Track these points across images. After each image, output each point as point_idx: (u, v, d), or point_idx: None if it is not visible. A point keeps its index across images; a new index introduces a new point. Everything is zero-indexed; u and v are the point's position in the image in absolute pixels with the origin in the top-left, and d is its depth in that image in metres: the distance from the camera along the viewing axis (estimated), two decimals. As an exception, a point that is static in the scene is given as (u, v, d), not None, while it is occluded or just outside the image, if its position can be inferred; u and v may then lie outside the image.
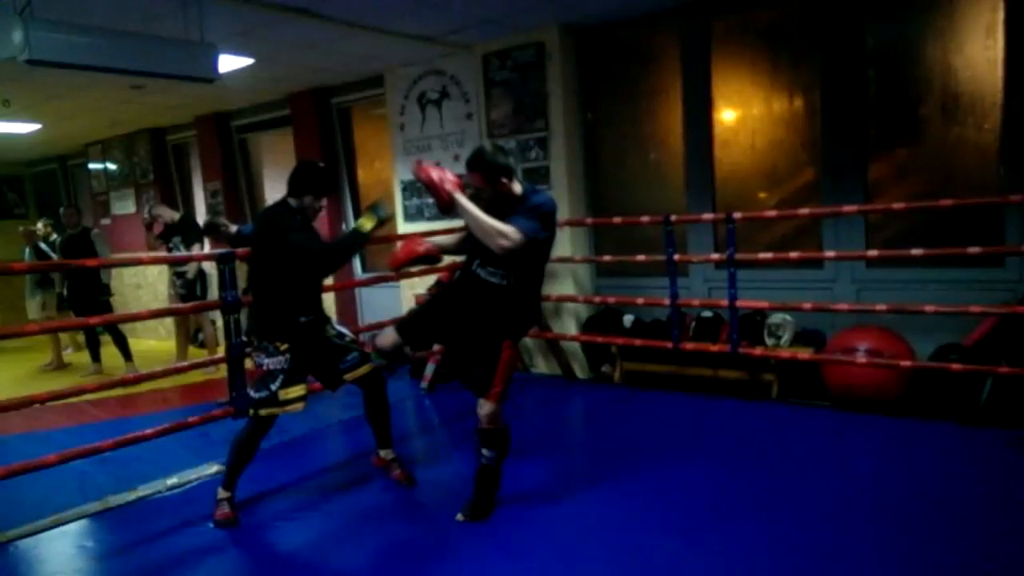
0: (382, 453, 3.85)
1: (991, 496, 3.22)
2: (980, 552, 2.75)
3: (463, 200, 3.04)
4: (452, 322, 3.32)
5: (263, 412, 3.38)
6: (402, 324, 3.46)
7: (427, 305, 3.69)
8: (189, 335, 7.51)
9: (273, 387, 3.35)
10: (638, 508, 3.31)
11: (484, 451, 3.22)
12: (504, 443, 3.24)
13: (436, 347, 5.64)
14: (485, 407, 3.15)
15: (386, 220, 3.42)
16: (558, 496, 3.51)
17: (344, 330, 3.72)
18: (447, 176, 3.08)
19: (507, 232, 2.92)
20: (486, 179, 3.04)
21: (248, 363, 3.94)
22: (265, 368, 3.36)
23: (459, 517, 3.26)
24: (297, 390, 3.41)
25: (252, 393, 3.42)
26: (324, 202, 3.45)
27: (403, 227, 6.89)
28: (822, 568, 2.71)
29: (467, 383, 3.34)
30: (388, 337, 3.39)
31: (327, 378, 3.66)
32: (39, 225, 8.13)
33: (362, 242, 3.45)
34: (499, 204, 3.07)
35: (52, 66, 3.96)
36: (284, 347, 3.36)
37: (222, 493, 3.47)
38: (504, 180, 3.05)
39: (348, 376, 3.62)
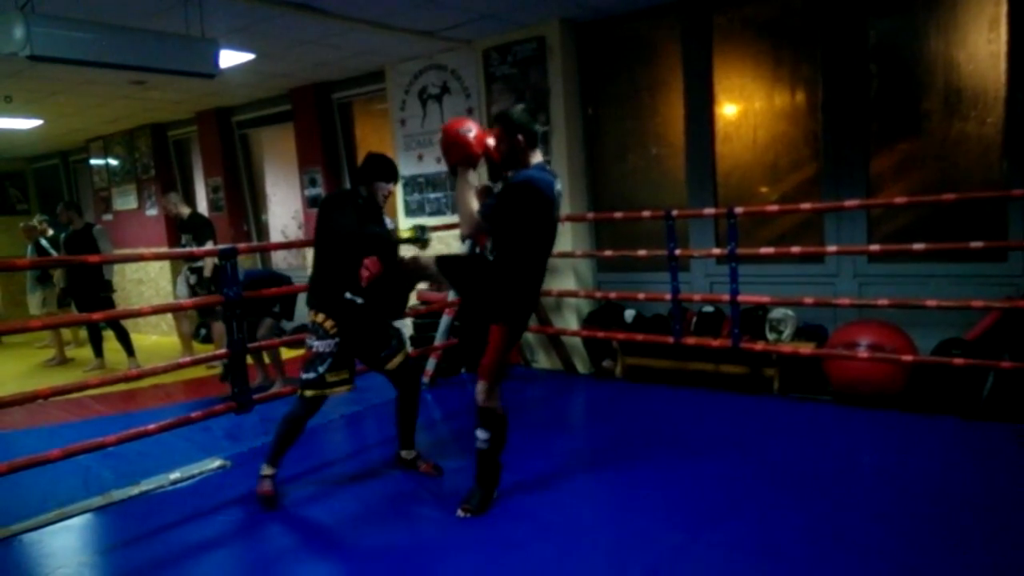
0: (403, 454, 3.87)
1: (993, 490, 3.22)
2: (982, 547, 2.75)
3: (461, 177, 3.19)
4: (466, 293, 3.43)
5: (309, 393, 3.47)
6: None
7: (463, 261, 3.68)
8: (192, 330, 7.51)
9: (320, 369, 3.44)
10: (639, 502, 3.32)
11: (478, 432, 3.25)
12: (497, 425, 3.26)
13: (438, 342, 5.66)
14: (477, 383, 3.23)
15: (420, 241, 3.53)
16: (559, 490, 3.52)
17: (397, 324, 3.79)
18: (471, 132, 3.19)
19: (464, 219, 3.14)
20: (504, 132, 3.14)
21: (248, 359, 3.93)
22: (314, 350, 3.46)
23: (459, 513, 3.26)
24: (343, 374, 3.50)
25: (302, 374, 3.50)
26: (391, 186, 3.63)
27: (403, 222, 6.89)
28: (824, 562, 2.71)
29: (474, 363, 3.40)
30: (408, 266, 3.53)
31: (374, 362, 3.74)
32: (34, 222, 8.13)
33: (387, 245, 3.53)
34: (510, 159, 3.18)
35: (54, 62, 3.96)
36: (333, 330, 3.44)
37: (266, 470, 3.54)
38: (520, 138, 3.12)
39: (388, 365, 3.70)
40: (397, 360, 3.71)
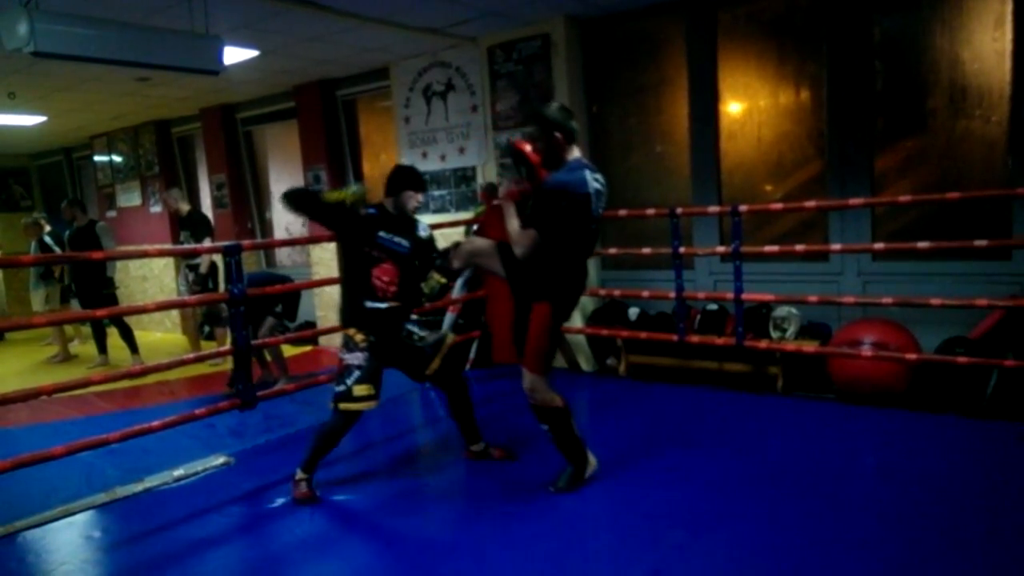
0: (473, 448, 3.90)
1: (997, 489, 3.22)
2: (985, 546, 2.75)
3: (505, 208, 3.23)
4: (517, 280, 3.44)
5: (342, 407, 3.49)
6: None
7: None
8: (198, 328, 7.53)
9: (348, 382, 3.47)
10: (642, 500, 3.31)
11: (541, 425, 3.35)
12: (553, 418, 3.30)
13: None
14: (524, 377, 3.27)
15: (346, 198, 3.52)
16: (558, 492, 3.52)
17: (423, 332, 3.79)
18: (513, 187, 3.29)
19: (515, 240, 3.14)
20: (541, 130, 3.18)
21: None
22: (344, 363, 3.50)
23: (551, 488, 3.38)
24: (369, 388, 3.50)
25: (334, 386, 3.53)
26: (420, 195, 3.68)
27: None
28: (826, 560, 2.70)
29: (520, 355, 3.42)
30: (463, 249, 3.56)
31: (412, 371, 3.76)
32: (32, 219, 8.13)
33: (306, 200, 3.65)
34: (548, 158, 3.22)
35: (57, 58, 3.96)
36: (364, 343, 3.48)
37: (300, 475, 3.56)
38: (558, 135, 3.15)
39: (427, 371, 3.72)
40: (435, 364, 3.73)
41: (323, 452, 3.57)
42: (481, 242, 3.55)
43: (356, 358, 3.49)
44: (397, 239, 3.57)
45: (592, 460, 3.49)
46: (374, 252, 3.52)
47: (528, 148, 3.28)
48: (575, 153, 3.24)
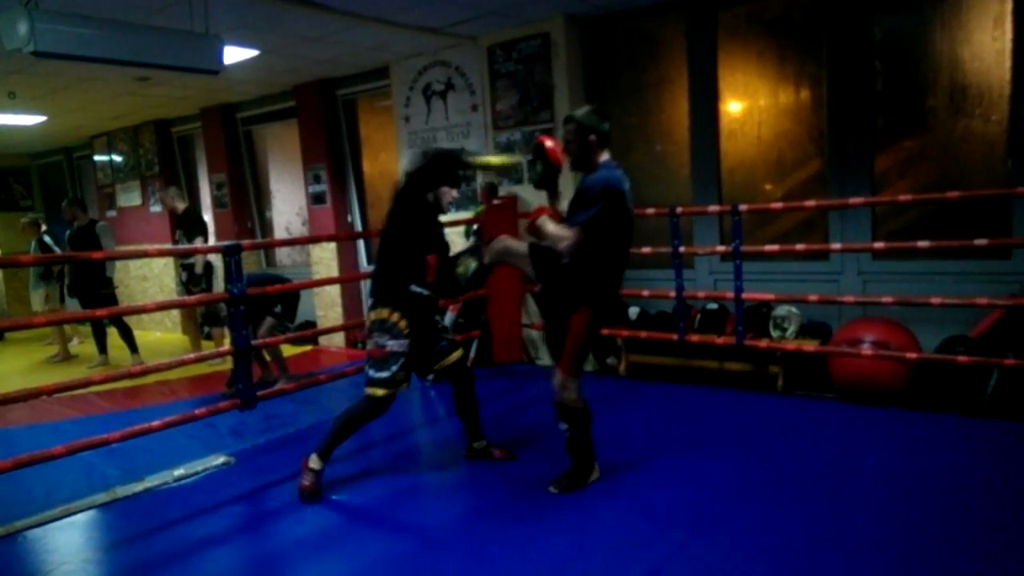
0: (475, 445, 3.90)
1: (997, 488, 3.21)
2: (986, 545, 2.75)
3: (540, 222, 3.21)
4: (549, 282, 3.47)
5: (381, 392, 3.47)
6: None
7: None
8: (198, 327, 7.53)
9: (394, 368, 3.46)
10: (642, 500, 3.31)
11: (560, 424, 3.36)
12: (575, 419, 3.33)
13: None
14: (555, 376, 3.30)
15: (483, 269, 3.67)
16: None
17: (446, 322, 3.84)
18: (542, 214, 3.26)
19: (561, 235, 3.11)
20: (576, 134, 3.23)
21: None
22: (388, 349, 3.46)
23: (551, 489, 3.39)
24: (404, 375, 3.54)
25: (372, 373, 3.49)
26: (455, 192, 3.71)
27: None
28: (827, 559, 2.71)
29: (554, 356, 3.44)
30: (496, 246, 3.60)
31: (421, 363, 3.73)
32: (28, 219, 8.14)
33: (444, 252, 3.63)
34: (582, 160, 3.27)
35: (57, 58, 3.96)
36: (407, 329, 3.47)
37: (314, 462, 3.52)
38: (592, 138, 3.22)
39: (439, 364, 3.72)
40: (454, 356, 3.75)
41: (343, 438, 3.55)
42: (516, 243, 3.56)
43: (400, 345, 3.47)
44: (440, 231, 3.64)
45: (596, 471, 3.50)
46: (431, 240, 3.57)
47: (551, 144, 3.33)
48: (606, 155, 3.28)
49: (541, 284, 3.49)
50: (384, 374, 3.46)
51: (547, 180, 3.41)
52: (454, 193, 3.68)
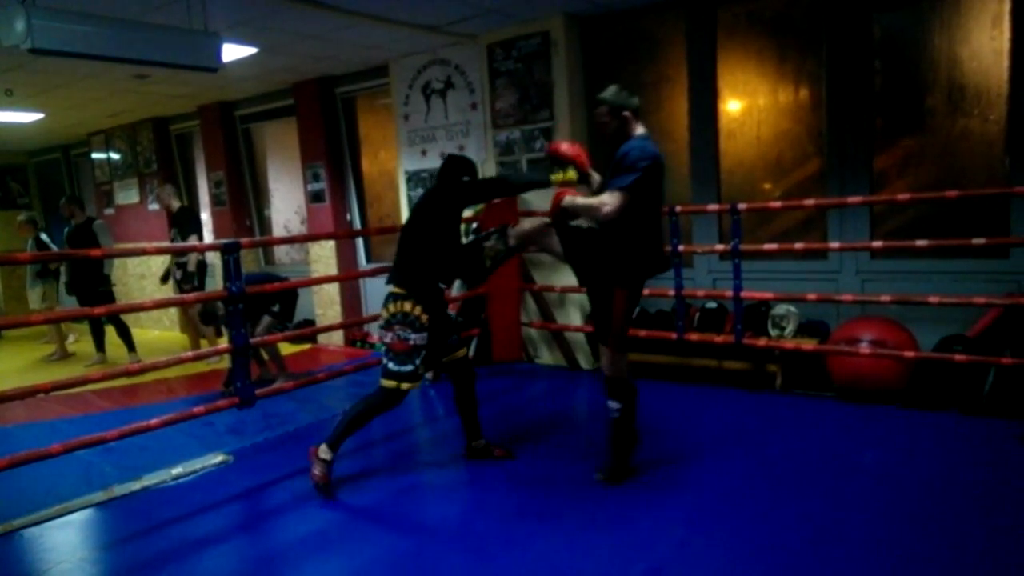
0: (474, 444, 3.91)
1: (995, 487, 3.22)
2: (984, 543, 2.75)
3: (567, 202, 3.34)
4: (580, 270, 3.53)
5: (406, 386, 3.48)
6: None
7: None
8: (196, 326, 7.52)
9: (418, 362, 3.48)
10: (641, 499, 3.32)
11: (609, 403, 3.44)
12: (627, 394, 3.44)
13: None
14: (604, 354, 3.42)
15: (504, 254, 3.68)
16: (559, 486, 3.52)
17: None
18: (555, 199, 3.40)
19: (602, 200, 3.18)
20: (611, 112, 3.35)
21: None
22: (412, 343, 3.46)
23: (597, 477, 3.49)
24: (424, 367, 3.55)
25: (393, 366, 3.49)
26: None
27: (406, 217, 6.87)
28: (825, 559, 2.71)
29: (599, 334, 3.50)
30: (521, 228, 3.67)
31: (434, 356, 3.72)
32: (23, 218, 8.12)
33: (529, 179, 3.85)
34: (620, 137, 3.37)
35: (55, 55, 3.94)
36: (428, 324, 3.48)
37: (324, 453, 3.52)
38: (626, 114, 3.34)
39: (447, 357, 3.74)
40: (461, 352, 3.78)
41: (355, 429, 3.56)
42: (542, 225, 3.60)
43: (422, 338, 3.48)
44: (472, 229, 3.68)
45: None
46: (456, 235, 3.64)
47: (566, 148, 3.46)
48: (641, 129, 3.38)
49: (571, 263, 3.54)
50: (407, 368, 3.47)
51: (560, 216, 3.48)
52: None
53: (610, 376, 3.42)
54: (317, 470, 3.50)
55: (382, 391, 3.51)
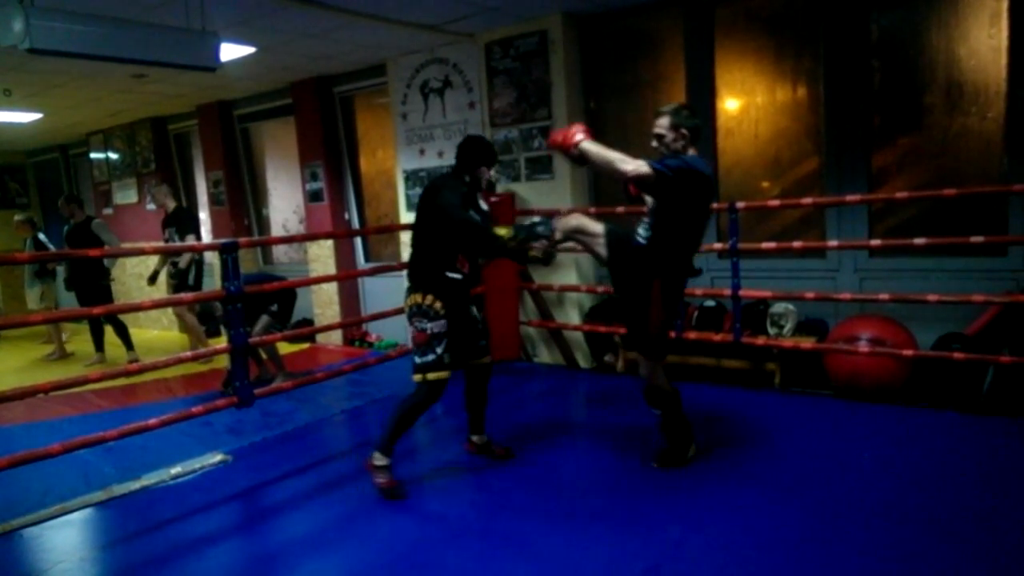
0: (475, 439, 3.91)
1: (993, 484, 3.22)
2: (982, 541, 2.76)
3: (588, 146, 3.24)
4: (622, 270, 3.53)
5: (432, 376, 3.43)
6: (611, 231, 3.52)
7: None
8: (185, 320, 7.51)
9: (439, 350, 3.43)
10: (640, 496, 3.32)
11: (652, 409, 3.58)
12: (663, 401, 3.55)
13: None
14: (641, 365, 3.54)
15: (528, 238, 3.48)
16: (558, 484, 3.53)
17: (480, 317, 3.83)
18: (571, 131, 3.29)
19: (625, 159, 3.15)
20: (671, 125, 3.33)
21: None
22: (429, 332, 3.43)
23: (653, 464, 3.58)
24: (451, 356, 3.49)
25: (417, 359, 3.45)
26: (492, 171, 3.69)
27: (405, 216, 6.89)
28: (824, 556, 2.71)
29: (633, 342, 3.59)
30: (571, 222, 3.57)
31: (461, 352, 3.67)
32: (21, 217, 8.12)
33: (487, 242, 3.45)
34: (674, 152, 3.34)
35: (53, 55, 3.94)
36: (443, 310, 3.43)
37: (379, 459, 3.48)
38: (684, 131, 3.32)
39: (475, 360, 3.72)
40: (487, 359, 3.76)
41: (403, 431, 3.51)
42: (590, 221, 3.57)
43: (440, 326, 3.43)
44: (475, 214, 3.54)
45: (693, 447, 3.66)
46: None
47: (559, 138, 3.33)
48: (693, 152, 3.36)
49: (611, 268, 3.56)
50: (430, 357, 3.42)
51: (580, 162, 3.41)
52: (492, 173, 3.65)
53: (648, 387, 3.53)
54: (380, 478, 3.46)
55: (417, 387, 3.48)
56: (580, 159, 3.29)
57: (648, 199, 3.50)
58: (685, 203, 3.28)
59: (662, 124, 3.34)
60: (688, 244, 3.43)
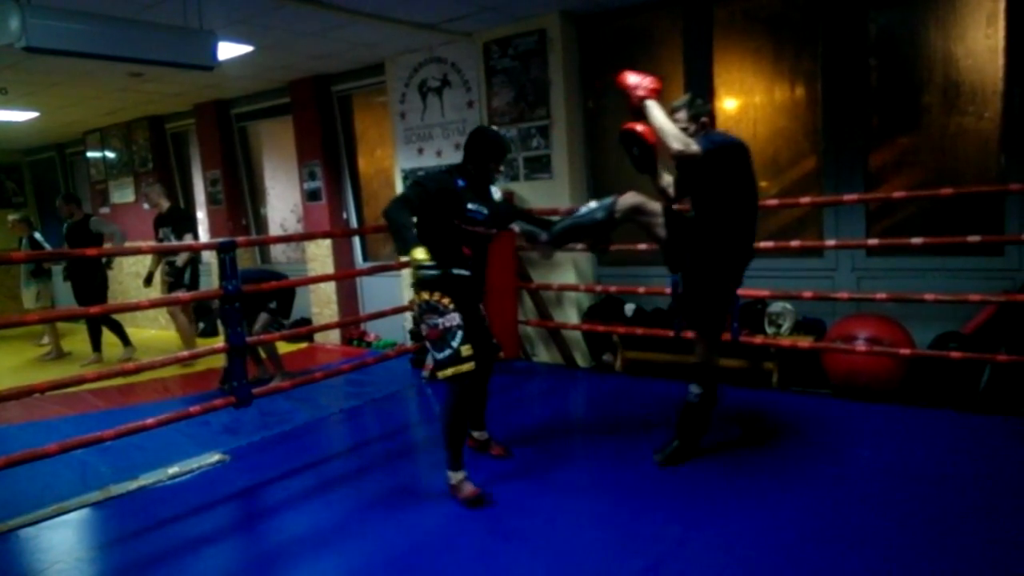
0: (475, 435, 3.90)
1: (990, 483, 3.23)
2: (980, 539, 2.76)
3: (652, 106, 3.30)
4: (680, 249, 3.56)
5: (450, 371, 3.33)
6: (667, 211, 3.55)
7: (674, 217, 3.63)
8: (192, 321, 7.51)
9: (455, 344, 3.32)
10: (638, 495, 3.32)
11: (691, 387, 3.56)
12: (710, 381, 3.55)
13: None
14: (697, 344, 3.59)
15: (419, 268, 3.21)
16: (557, 483, 3.52)
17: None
18: (643, 83, 3.40)
19: (682, 138, 3.16)
20: (691, 117, 3.38)
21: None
22: (442, 327, 3.33)
23: (657, 459, 3.58)
24: (471, 348, 3.36)
25: (437, 355, 3.37)
26: (502, 168, 3.70)
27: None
28: (823, 554, 2.71)
29: (689, 320, 3.63)
30: (630, 199, 3.58)
31: (472, 339, 3.55)
32: (17, 217, 8.10)
33: (400, 236, 3.25)
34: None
35: (50, 53, 3.93)
36: (452, 304, 3.34)
37: (455, 477, 3.39)
38: (704, 120, 3.38)
39: (493, 356, 3.71)
40: (500, 352, 3.77)
41: (461, 439, 3.41)
42: (649, 201, 3.57)
43: (453, 319, 3.33)
44: (480, 208, 3.44)
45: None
46: (464, 224, 3.40)
47: (642, 128, 3.40)
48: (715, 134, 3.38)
49: (666, 248, 3.57)
50: (446, 352, 3.32)
51: (646, 162, 3.48)
52: (501, 168, 3.58)
53: (696, 361, 3.57)
54: (462, 493, 3.36)
55: (446, 390, 3.41)
56: (637, 111, 3.34)
57: (667, 179, 3.57)
58: (734, 177, 3.29)
59: (681, 119, 3.36)
60: (747, 218, 3.43)
